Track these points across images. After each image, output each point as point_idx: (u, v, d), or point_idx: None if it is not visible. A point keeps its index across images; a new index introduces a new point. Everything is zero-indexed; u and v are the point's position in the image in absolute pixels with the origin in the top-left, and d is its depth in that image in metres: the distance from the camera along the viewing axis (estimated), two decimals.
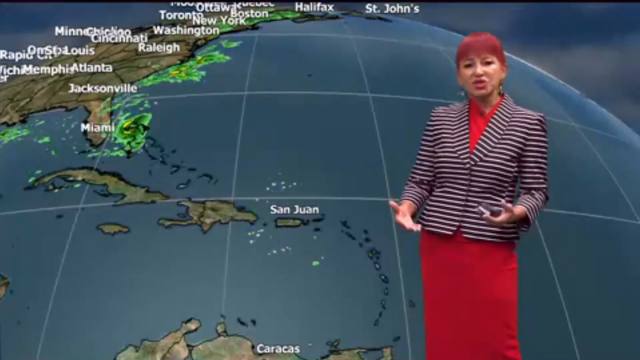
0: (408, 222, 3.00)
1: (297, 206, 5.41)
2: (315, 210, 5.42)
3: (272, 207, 5.42)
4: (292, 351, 5.04)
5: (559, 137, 6.73)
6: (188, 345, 5.07)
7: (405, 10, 6.55)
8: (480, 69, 3.01)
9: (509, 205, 2.91)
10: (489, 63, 3.02)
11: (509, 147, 2.98)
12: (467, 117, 3.07)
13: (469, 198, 3.00)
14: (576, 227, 6.15)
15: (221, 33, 7.06)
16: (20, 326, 5.25)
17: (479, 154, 3.00)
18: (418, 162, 3.17)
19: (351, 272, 5.36)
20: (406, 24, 7.99)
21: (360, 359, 5.09)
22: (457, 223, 3.01)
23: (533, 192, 3.00)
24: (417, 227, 2.98)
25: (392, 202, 3.05)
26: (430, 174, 3.14)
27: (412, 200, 3.11)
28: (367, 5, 6.99)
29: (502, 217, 2.89)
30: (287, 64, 6.76)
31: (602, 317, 5.71)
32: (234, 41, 6.96)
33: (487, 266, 2.97)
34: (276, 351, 5.04)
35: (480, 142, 3.01)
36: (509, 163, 2.98)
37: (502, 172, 2.98)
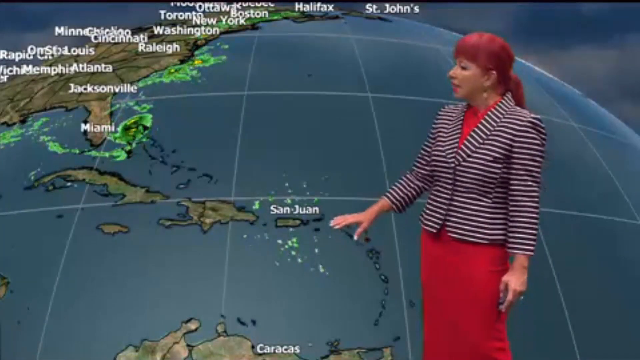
0: (344, 218, 3.21)
1: (297, 206, 5.41)
2: (315, 210, 5.42)
3: (272, 207, 5.41)
4: (292, 351, 5.04)
5: (559, 137, 6.73)
6: (188, 345, 5.07)
7: (405, 10, 6.55)
8: (453, 71, 3.03)
9: (504, 279, 2.93)
10: (463, 68, 3.00)
11: (493, 148, 2.95)
12: (462, 118, 3.08)
13: (454, 197, 3.02)
14: (576, 227, 6.15)
15: (221, 33, 7.06)
16: (20, 326, 5.25)
17: (462, 154, 3.00)
18: (419, 156, 3.25)
19: (351, 272, 5.35)
20: (406, 24, 7.99)
21: (360, 359, 5.09)
22: (441, 221, 3.03)
23: (520, 203, 2.92)
24: (334, 223, 3.21)
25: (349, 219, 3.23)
26: (427, 168, 3.20)
27: (390, 195, 3.23)
28: (367, 5, 6.99)
29: (509, 294, 2.92)
30: (287, 64, 6.76)
31: (602, 317, 5.70)
32: (234, 41, 6.97)
33: (471, 266, 2.98)
34: (276, 351, 5.03)
35: (465, 142, 3.01)
36: (492, 164, 2.94)
37: (484, 173, 2.95)
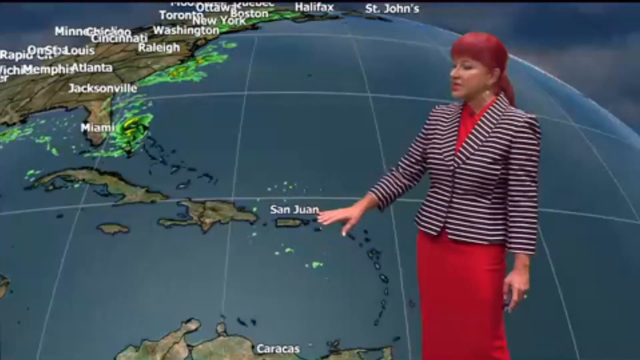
0: (332, 215, 3.13)
1: (297, 206, 5.40)
2: (315, 210, 5.40)
3: (272, 207, 5.40)
4: (292, 351, 5.04)
5: (559, 137, 6.73)
6: (188, 345, 5.07)
7: (405, 10, 6.55)
8: (456, 72, 3.02)
9: (507, 280, 2.94)
10: (468, 67, 3.00)
11: (492, 149, 2.96)
12: (458, 119, 3.08)
13: (453, 199, 3.02)
14: (576, 227, 6.15)
15: (221, 33, 7.06)
16: (20, 326, 5.25)
17: (462, 156, 3.00)
18: (407, 154, 3.24)
19: (351, 272, 5.35)
20: (406, 24, 7.99)
21: (360, 359, 5.09)
22: (441, 224, 3.03)
23: (519, 203, 2.94)
24: (322, 220, 3.13)
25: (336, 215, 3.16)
26: (416, 166, 3.20)
27: (377, 191, 3.20)
28: (367, 5, 6.99)
29: (514, 294, 2.92)
30: (287, 64, 6.76)
31: (602, 317, 5.70)
32: (234, 41, 6.97)
33: (471, 267, 2.99)
34: (276, 351, 5.03)
35: (464, 144, 3.01)
36: (492, 166, 2.95)
37: (484, 175, 2.96)
